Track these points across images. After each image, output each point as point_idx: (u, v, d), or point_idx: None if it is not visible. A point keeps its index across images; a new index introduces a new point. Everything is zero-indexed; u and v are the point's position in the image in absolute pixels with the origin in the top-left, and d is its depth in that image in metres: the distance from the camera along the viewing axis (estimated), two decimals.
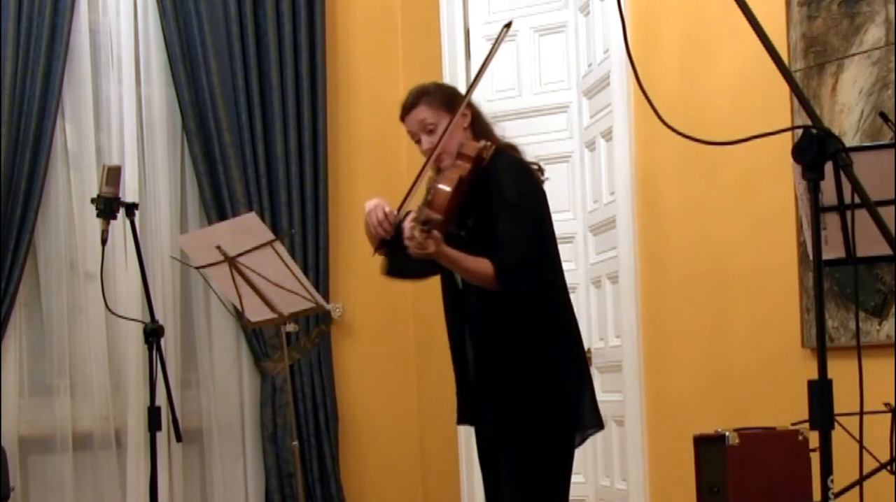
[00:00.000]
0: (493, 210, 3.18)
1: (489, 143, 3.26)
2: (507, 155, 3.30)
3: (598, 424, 3.33)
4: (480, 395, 3.30)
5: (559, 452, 3.24)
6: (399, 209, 3.25)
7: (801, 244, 4.10)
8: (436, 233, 3.00)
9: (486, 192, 3.20)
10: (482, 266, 3.13)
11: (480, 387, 3.29)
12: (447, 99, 3.35)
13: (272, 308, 4.33)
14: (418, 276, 3.53)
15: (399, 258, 3.32)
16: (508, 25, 3.28)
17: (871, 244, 2.28)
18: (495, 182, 3.20)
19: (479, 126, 3.36)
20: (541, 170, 3.36)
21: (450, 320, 3.42)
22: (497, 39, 3.28)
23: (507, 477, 3.25)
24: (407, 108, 3.37)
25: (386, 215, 3.22)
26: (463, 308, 3.34)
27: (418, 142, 3.35)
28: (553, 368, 3.22)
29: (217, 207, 5.42)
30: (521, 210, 3.19)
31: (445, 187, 3.10)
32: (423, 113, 3.32)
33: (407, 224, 3.05)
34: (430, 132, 3.30)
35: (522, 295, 3.17)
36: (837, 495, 2.54)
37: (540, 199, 3.30)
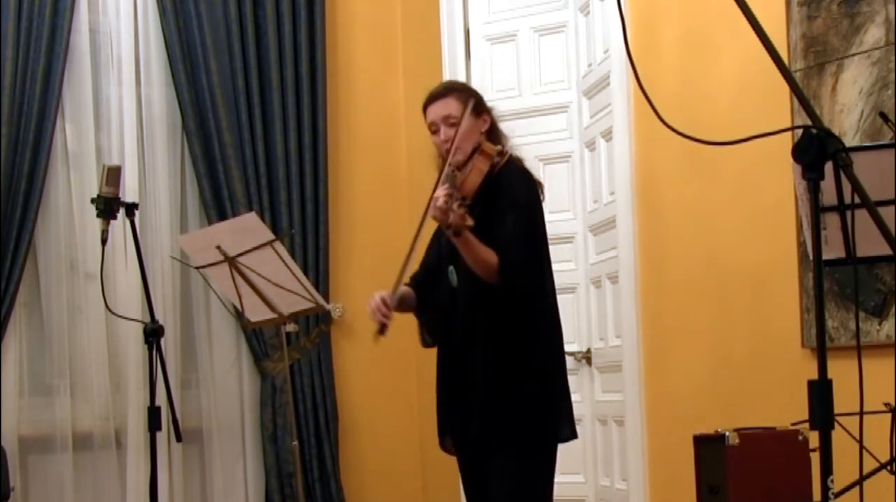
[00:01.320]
0: (500, 209, 3.30)
1: (505, 150, 3.41)
2: (519, 163, 3.45)
3: (573, 433, 3.41)
4: (469, 394, 3.36)
5: (549, 447, 3.34)
6: (395, 286, 3.37)
7: (801, 244, 4.09)
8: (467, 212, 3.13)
9: (494, 193, 3.32)
10: (490, 256, 3.24)
11: (469, 386, 3.35)
12: (474, 100, 3.47)
13: (272, 308, 4.33)
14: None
15: (431, 327, 3.53)
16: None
17: (871, 244, 2.27)
18: (507, 184, 3.33)
19: (494, 134, 3.49)
20: (542, 188, 3.48)
21: (444, 320, 3.49)
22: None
23: (498, 473, 3.31)
24: (435, 97, 3.48)
25: (382, 300, 3.35)
26: (455, 306, 3.42)
27: (435, 132, 3.45)
28: (540, 365, 3.33)
29: (217, 207, 5.42)
30: (528, 212, 3.34)
31: (475, 178, 3.29)
32: (450, 105, 3.43)
33: (441, 194, 3.14)
34: (451, 125, 3.40)
35: (522, 286, 3.28)
36: (837, 495, 2.54)
37: (540, 211, 3.44)
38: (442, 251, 3.50)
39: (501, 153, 3.37)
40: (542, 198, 3.45)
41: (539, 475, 3.31)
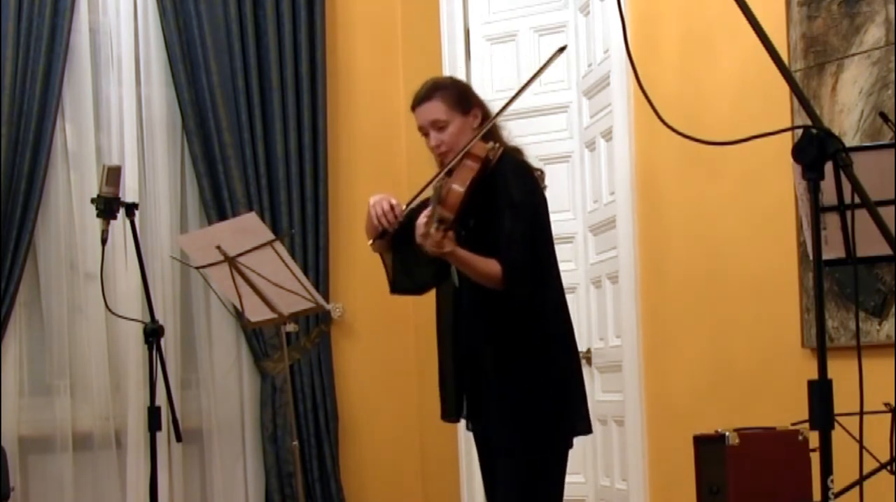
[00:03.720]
0: (498, 209, 3.19)
1: (497, 145, 3.27)
2: (514, 157, 3.31)
3: (588, 428, 3.35)
4: (478, 392, 3.31)
5: (557, 445, 3.27)
6: (406, 206, 3.26)
7: (801, 244, 4.09)
8: (450, 233, 3.03)
9: (491, 193, 3.21)
10: (490, 267, 3.14)
11: (477, 383, 3.30)
12: (461, 98, 3.34)
13: (272, 308, 4.33)
14: (422, 290, 3.55)
15: (404, 271, 3.40)
16: (562, 49, 3.27)
17: (871, 244, 2.27)
18: (502, 182, 3.21)
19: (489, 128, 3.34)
20: (542, 176, 3.36)
21: (443, 317, 3.43)
22: (549, 60, 3.28)
23: (503, 471, 3.26)
24: (419, 100, 3.35)
25: (392, 207, 3.23)
26: (459, 304, 3.35)
27: (426, 135, 3.34)
28: (550, 363, 3.24)
29: (217, 207, 5.42)
30: (525, 210, 3.21)
31: (459, 187, 3.11)
32: (435, 109, 3.30)
33: (421, 222, 3.07)
34: (440, 129, 3.29)
35: (524, 293, 3.18)
36: (837, 495, 2.54)
37: (541, 203, 3.32)
38: None
39: (493, 150, 3.23)
40: (543, 185, 3.32)
41: (545, 476, 3.23)
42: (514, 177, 3.24)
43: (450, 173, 3.21)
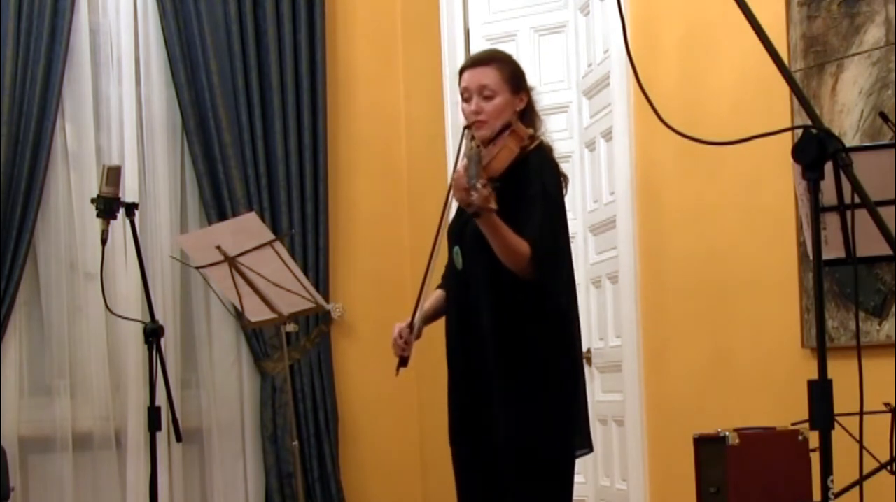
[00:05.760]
0: (529, 196, 3.12)
1: (536, 135, 3.24)
2: (550, 152, 3.28)
3: (589, 445, 3.27)
4: (479, 390, 3.19)
5: (567, 464, 3.18)
6: (413, 314, 3.27)
7: (801, 244, 4.09)
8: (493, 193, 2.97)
9: (522, 177, 3.14)
10: (520, 244, 3.04)
11: (479, 380, 3.18)
12: (515, 76, 3.29)
13: (272, 308, 4.34)
14: None
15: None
16: (468, 127, 3.27)
17: (871, 244, 2.27)
18: (537, 171, 3.15)
19: (529, 116, 3.31)
20: (566, 182, 3.32)
21: (449, 309, 3.35)
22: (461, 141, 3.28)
23: (511, 477, 3.13)
24: (475, 63, 3.31)
25: (399, 333, 3.25)
26: (462, 291, 3.26)
27: (467, 100, 3.26)
28: (558, 369, 3.16)
29: (217, 207, 5.42)
30: (557, 205, 3.17)
31: (505, 156, 3.11)
32: (489, 76, 3.24)
33: (462, 179, 2.95)
34: (486, 98, 3.23)
35: (552, 282, 3.11)
36: (837, 495, 2.53)
37: (563, 205, 3.28)
38: (450, 230, 3.30)
39: (532, 137, 3.20)
40: (564, 191, 3.27)
41: (556, 498, 3.14)
42: (548, 171, 3.19)
43: (484, 147, 3.18)
